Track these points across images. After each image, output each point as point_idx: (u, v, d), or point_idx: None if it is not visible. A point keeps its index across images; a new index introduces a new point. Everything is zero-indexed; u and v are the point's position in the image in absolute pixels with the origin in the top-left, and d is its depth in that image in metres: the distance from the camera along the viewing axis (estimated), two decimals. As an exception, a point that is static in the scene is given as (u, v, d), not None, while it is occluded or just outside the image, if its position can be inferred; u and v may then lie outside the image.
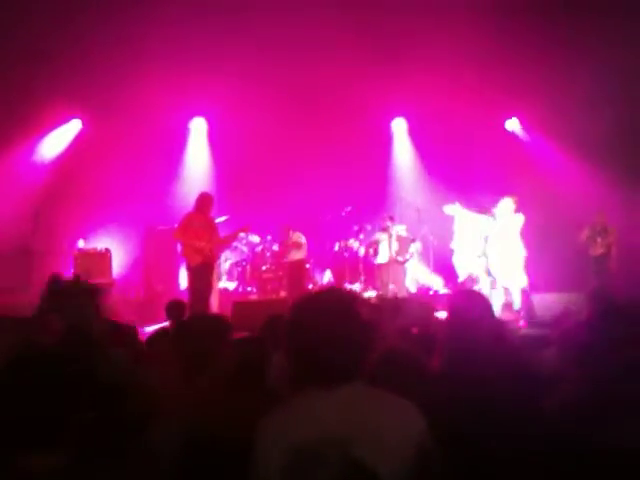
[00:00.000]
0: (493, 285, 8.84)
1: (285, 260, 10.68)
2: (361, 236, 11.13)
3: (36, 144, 11.12)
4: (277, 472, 1.84)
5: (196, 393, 2.65)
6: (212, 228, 8.30)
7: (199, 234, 8.08)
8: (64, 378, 1.74)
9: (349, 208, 11.16)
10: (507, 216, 8.54)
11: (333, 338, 1.92)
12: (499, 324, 3.18)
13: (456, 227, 9.94)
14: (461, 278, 9.91)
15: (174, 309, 6.07)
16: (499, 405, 2.35)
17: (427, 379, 2.75)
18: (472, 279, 9.61)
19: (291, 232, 10.61)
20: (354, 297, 2.09)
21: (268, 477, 1.87)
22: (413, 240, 10.34)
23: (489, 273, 8.95)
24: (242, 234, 9.69)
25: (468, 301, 3.14)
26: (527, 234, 8.63)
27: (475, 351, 2.71)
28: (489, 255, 8.85)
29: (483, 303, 3.13)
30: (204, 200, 8.33)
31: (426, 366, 3.03)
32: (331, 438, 1.82)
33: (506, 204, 8.56)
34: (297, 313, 2.04)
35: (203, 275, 8.14)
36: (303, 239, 10.55)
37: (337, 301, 2.02)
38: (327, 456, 1.81)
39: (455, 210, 9.23)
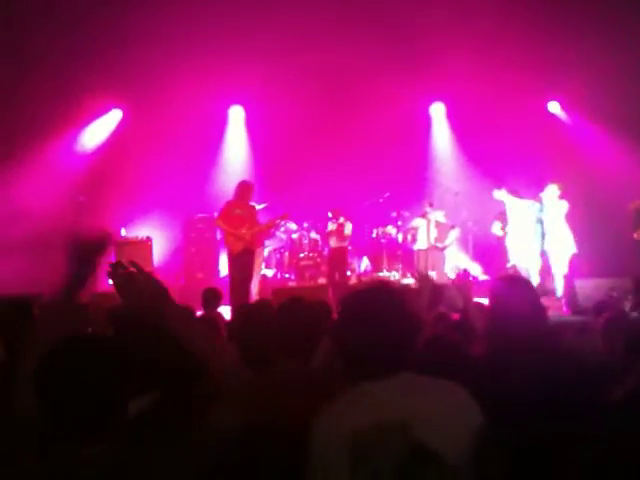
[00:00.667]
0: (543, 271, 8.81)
1: (329, 247, 10.52)
2: (399, 222, 11.07)
3: (78, 134, 11.31)
4: (337, 458, 1.88)
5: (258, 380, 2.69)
6: (252, 215, 8.38)
7: (239, 222, 8.16)
8: (122, 360, 1.75)
9: (387, 194, 11.11)
10: (553, 202, 8.47)
11: (384, 330, 1.99)
12: (542, 310, 3.15)
13: (508, 213, 9.81)
14: (511, 263, 9.77)
15: (210, 297, 6.09)
16: (543, 391, 2.33)
17: (470, 365, 2.74)
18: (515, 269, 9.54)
19: (342, 218, 10.38)
20: (402, 290, 2.15)
21: (328, 463, 1.90)
22: (452, 226, 10.24)
23: (539, 258, 8.94)
24: (281, 221, 9.72)
25: (510, 288, 3.11)
26: (570, 220, 8.52)
27: (517, 337, 2.69)
28: (538, 241, 8.86)
29: (525, 289, 3.09)
30: (244, 188, 8.41)
31: (468, 352, 3.03)
32: (391, 423, 1.87)
33: (551, 190, 8.50)
34: (348, 307, 2.10)
35: (244, 262, 8.23)
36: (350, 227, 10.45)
37: (386, 295, 2.08)
38: (389, 440, 1.86)
39: (503, 196, 9.17)
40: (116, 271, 1.93)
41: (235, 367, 1.99)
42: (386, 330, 1.99)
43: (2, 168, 9.45)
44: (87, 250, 2.06)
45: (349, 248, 10.74)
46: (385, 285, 2.20)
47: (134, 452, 1.66)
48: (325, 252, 10.75)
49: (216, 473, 1.72)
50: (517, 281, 3.37)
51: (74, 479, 1.60)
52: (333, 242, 10.31)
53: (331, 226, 10.34)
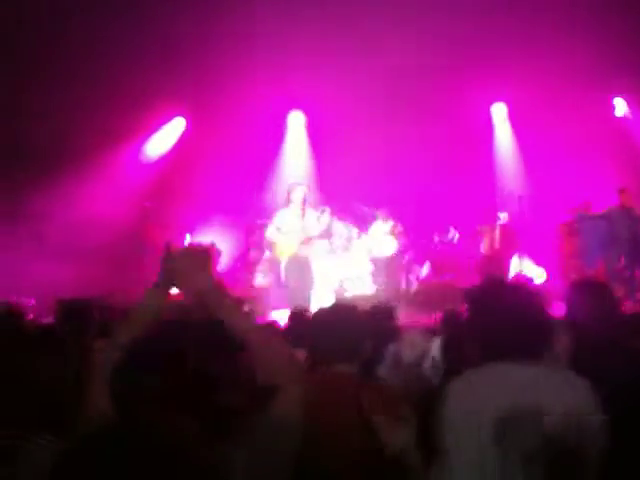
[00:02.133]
0: None
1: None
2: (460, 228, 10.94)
3: (143, 143, 11.62)
4: (474, 433, 1.96)
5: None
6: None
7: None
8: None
9: (449, 199, 11.00)
10: None
11: (525, 318, 2.15)
12: (616, 313, 3.12)
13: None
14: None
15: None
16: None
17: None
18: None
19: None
20: (535, 289, 2.32)
21: (462, 435, 1.98)
22: (514, 229, 10.08)
23: None
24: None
25: (583, 294, 3.09)
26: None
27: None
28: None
29: (600, 293, 3.07)
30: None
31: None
32: (531, 408, 1.95)
33: None
34: (491, 296, 2.27)
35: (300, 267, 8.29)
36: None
37: (528, 289, 2.30)
38: (527, 425, 1.93)
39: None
40: (170, 262, 1.91)
41: (297, 367, 1.98)
42: (526, 318, 2.14)
43: (72, 177, 9.77)
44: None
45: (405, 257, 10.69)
46: (520, 281, 2.38)
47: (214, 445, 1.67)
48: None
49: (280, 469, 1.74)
50: (592, 286, 3.33)
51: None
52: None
53: (381, 228, 10.17)
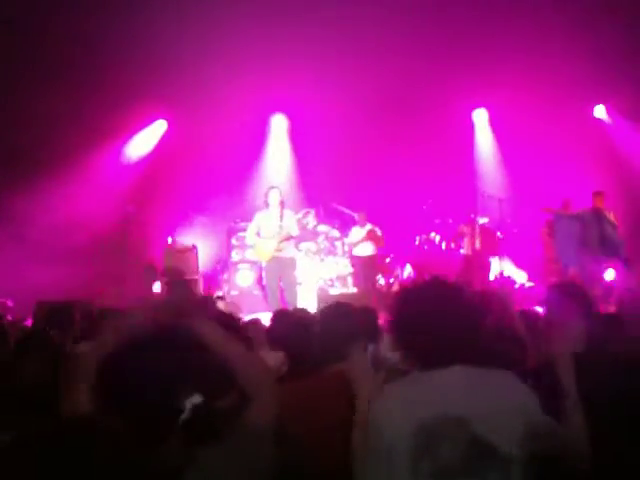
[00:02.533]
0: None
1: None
2: (441, 230, 11.03)
3: (124, 145, 11.57)
4: (402, 444, 1.88)
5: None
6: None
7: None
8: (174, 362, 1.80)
9: (430, 201, 11.08)
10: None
11: (447, 322, 2.03)
12: (595, 315, 3.15)
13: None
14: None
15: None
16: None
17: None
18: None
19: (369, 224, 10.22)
20: (458, 284, 2.18)
21: (391, 448, 1.89)
22: (495, 231, 10.19)
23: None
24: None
25: (564, 295, 3.12)
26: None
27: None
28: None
29: (579, 296, 3.10)
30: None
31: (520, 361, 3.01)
32: (456, 415, 1.89)
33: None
34: (411, 300, 2.14)
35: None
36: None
37: (448, 289, 2.14)
38: (453, 433, 1.87)
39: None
40: (168, 277, 2.00)
41: (267, 374, 2.01)
42: (449, 321, 2.02)
43: (53, 179, 9.71)
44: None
45: (388, 258, 10.75)
46: (445, 281, 2.24)
47: (189, 453, 1.72)
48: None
49: (256, 474, 1.76)
50: (570, 288, 3.38)
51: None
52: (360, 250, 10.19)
53: (359, 232, 10.22)
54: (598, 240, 9.09)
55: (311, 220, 10.28)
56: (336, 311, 2.97)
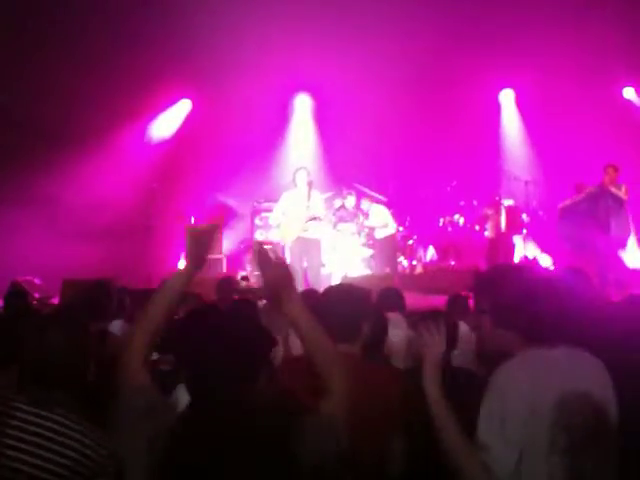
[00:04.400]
0: None
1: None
2: (465, 212, 10.94)
3: (149, 124, 11.61)
4: (535, 413, 1.93)
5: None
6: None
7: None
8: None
9: (454, 183, 10.99)
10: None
11: (549, 302, 2.14)
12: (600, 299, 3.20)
13: None
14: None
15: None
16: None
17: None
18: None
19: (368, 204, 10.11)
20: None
21: (520, 412, 1.93)
22: (520, 213, 10.09)
23: None
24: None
25: (574, 279, 3.16)
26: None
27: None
28: None
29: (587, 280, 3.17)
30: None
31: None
32: (583, 391, 1.99)
33: None
34: (513, 282, 2.21)
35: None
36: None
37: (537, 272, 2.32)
38: (582, 409, 1.96)
39: None
40: (260, 251, 2.00)
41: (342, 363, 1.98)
42: (551, 303, 2.13)
43: (78, 158, 9.78)
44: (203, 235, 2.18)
45: (411, 240, 10.68)
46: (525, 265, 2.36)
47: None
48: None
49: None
50: (580, 272, 3.44)
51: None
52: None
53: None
54: (607, 218, 8.56)
55: (351, 201, 10.19)
56: (338, 292, 2.98)
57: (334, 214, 10.15)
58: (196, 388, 1.78)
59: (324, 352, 1.92)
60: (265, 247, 2.10)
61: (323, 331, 1.94)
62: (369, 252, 10.35)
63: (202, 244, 2.15)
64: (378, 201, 10.28)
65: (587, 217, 8.64)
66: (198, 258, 2.12)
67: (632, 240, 8.97)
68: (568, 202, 9.11)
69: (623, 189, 8.59)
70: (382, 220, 9.91)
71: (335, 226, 9.94)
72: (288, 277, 1.95)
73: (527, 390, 1.94)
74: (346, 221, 10.28)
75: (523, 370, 2.01)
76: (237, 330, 1.80)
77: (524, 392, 1.93)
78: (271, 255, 1.96)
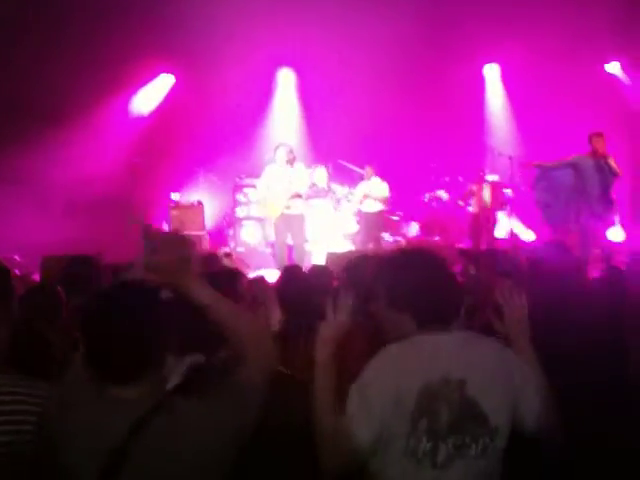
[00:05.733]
0: None
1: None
2: (450, 188, 10.92)
3: (130, 99, 11.44)
4: (400, 398, 1.94)
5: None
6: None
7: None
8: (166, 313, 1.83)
9: (438, 159, 10.99)
10: None
11: (443, 287, 2.12)
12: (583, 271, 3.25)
13: None
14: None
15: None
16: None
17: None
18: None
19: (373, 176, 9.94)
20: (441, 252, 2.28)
21: (382, 410, 1.94)
22: (504, 189, 10.09)
23: None
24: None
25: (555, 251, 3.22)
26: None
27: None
28: None
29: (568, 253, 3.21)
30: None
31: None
32: (454, 378, 1.96)
33: None
34: (405, 266, 2.18)
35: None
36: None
37: (436, 255, 2.22)
38: (451, 396, 1.95)
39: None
40: (148, 232, 1.98)
41: (261, 332, 2.01)
42: (446, 287, 2.12)
43: (58, 134, 9.62)
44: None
45: (396, 217, 10.67)
46: (429, 247, 2.33)
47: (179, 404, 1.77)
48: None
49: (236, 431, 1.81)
50: (558, 247, 3.47)
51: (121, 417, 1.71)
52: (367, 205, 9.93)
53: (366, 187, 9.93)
54: (598, 191, 7.82)
55: (322, 176, 10.14)
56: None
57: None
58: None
59: (236, 321, 1.93)
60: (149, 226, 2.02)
61: (228, 301, 1.96)
62: (354, 228, 10.32)
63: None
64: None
65: (573, 190, 8.02)
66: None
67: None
68: (551, 164, 8.49)
69: (612, 161, 7.84)
70: (381, 194, 9.83)
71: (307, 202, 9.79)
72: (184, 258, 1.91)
73: (391, 383, 1.95)
74: (318, 197, 10.24)
75: (390, 362, 2.00)
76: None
77: (387, 387, 1.95)
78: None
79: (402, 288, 2.10)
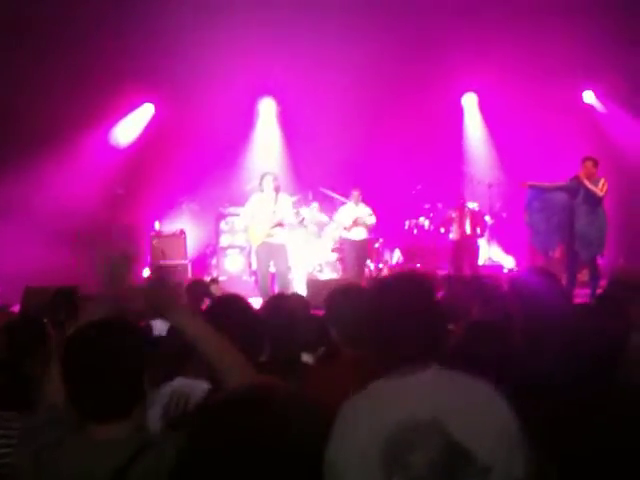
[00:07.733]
0: None
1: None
2: (431, 214, 11.01)
3: (111, 129, 11.45)
4: (366, 456, 1.74)
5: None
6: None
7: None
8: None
9: (419, 186, 11.08)
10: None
11: (414, 322, 1.90)
12: (569, 299, 3.21)
13: None
14: None
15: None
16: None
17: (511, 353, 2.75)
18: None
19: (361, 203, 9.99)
20: (428, 279, 2.10)
21: (352, 460, 1.74)
22: (484, 216, 10.21)
23: None
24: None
25: (539, 279, 3.18)
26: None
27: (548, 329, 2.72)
28: None
29: (552, 281, 3.18)
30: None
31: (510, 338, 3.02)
32: (426, 421, 1.74)
33: None
34: (376, 299, 2.01)
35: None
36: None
37: (414, 284, 1.99)
38: (424, 440, 1.73)
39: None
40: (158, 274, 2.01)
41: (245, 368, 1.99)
42: (418, 320, 1.89)
43: (39, 163, 9.60)
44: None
45: (377, 244, 10.73)
46: (414, 275, 2.12)
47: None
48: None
49: None
50: (544, 273, 3.45)
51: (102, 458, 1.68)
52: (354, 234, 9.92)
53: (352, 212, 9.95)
54: (576, 214, 7.84)
55: (314, 211, 10.20)
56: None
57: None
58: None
59: (220, 356, 1.93)
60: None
61: (218, 336, 1.95)
62: (334, 256, 10.36)
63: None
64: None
65: (566, 212, 7.99)
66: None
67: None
68: (544, 185, 8.48)
69: (601, 183, 7.80)
70: (370, 220, 9.88)
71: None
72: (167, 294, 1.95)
73: (353, 440, 1.75)
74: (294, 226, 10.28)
75: (343, 425, 1.78)
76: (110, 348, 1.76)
77: (351, 443, 1.75)
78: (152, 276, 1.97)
79: (352, 324, 2.01)
